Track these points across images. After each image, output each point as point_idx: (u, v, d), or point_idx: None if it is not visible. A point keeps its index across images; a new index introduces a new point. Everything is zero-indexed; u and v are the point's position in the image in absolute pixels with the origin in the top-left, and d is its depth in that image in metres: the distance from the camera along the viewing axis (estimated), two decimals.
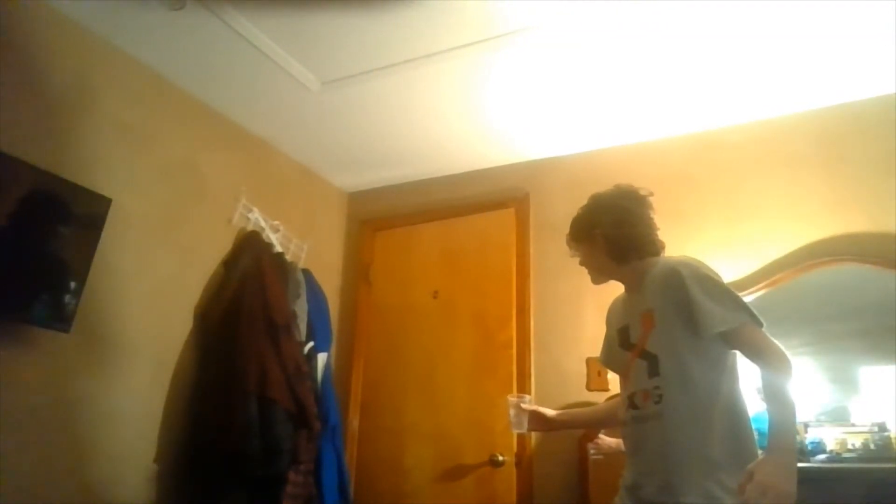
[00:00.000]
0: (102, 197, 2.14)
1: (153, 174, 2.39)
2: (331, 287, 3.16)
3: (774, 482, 1.25)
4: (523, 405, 1.90)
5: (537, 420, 1.91)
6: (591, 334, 2.47)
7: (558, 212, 2.61)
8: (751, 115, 2.58)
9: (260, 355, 2.29)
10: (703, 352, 1.51)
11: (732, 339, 1.49)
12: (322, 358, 2.69)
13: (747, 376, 1.55)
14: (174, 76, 2.50)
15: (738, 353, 1.53)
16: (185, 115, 2.57)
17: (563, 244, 1.84)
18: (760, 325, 1.48)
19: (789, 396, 1.36)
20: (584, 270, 1.79)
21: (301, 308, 2.63)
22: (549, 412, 1.92)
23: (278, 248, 2.74)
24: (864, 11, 2.01)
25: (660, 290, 1.57)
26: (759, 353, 1.44)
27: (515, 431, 2.17)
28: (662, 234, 1.71)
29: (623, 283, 1.74)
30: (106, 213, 2.14)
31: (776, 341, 1.45)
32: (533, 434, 2.60)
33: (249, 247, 2.60)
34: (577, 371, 2.58)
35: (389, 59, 2.36)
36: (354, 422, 2.99)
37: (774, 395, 1.38)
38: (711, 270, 1.56)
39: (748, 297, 2.22)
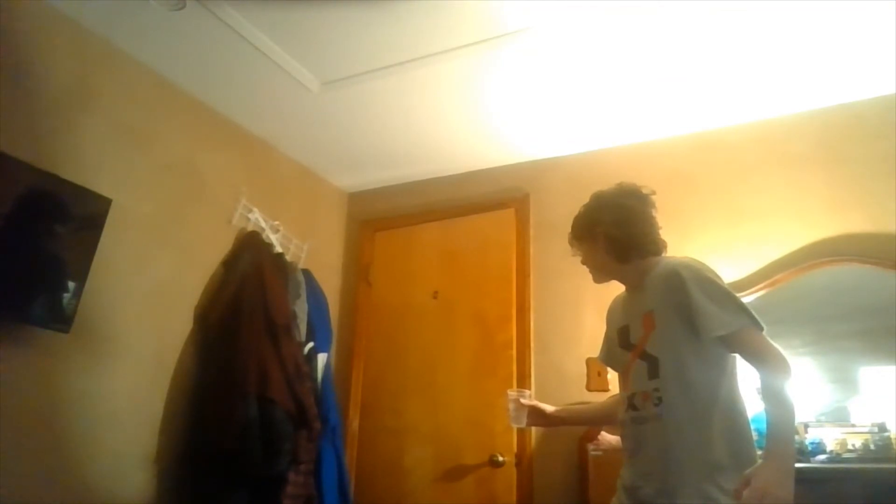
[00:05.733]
0: (102, 197, 2.14)
1: (153, 174, 2.39)
2: (331, 287, 3.16)
3: (772, 488, 1.25)
4: (523, 400, 1.90)
5: (536, 415, 1.91)
6: (591, 334, 2.47)
7: (558, 212, 2.61)
8: (751, 115, 2.58)
9: (260, 356, 2.29)
10: (704, 354, 1.50)
11: (732, 343, 1.48)
12: (322, 358, 2.69)
13: (747, 377, 1.55)
14: (174, 76, 2.50)
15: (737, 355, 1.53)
16: (185, 115, 2.57)
17: (563, 244, 1.83)
18: (761, 328, 1.47)
19: (789, 401, 1.36)
20: (585, 270, 1.79)
21: (301, 308, 2.63)
22: (549, 408, 1.92)
23: (278, 249, 2.74)
24: (864, 11, 2.01)
25: (660, 292, 1.57)
26: (759, 356, 1.44)
27: (514, 426, 2.18)
28: (662, 234, 1.70)
29: (624, 282, 1.73)
30: (106, 213, 2.14)
31: (776, 345, 1.44)
32: (533, 434, 2.60)
33: (249, 247, 2.59)
34: (577, 371, 2.58)
35: (389, 59, 2.36)
36: (354, 422, 2.99)
37: (774, 400, 1.37)
38: (713, 272, 1.55)
39: (748, 298, 2.23)
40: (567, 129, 2.77)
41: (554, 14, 2.09)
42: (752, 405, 1.56)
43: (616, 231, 1.65)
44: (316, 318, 2.71)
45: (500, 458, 2.60)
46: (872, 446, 2.04)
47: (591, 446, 2.32)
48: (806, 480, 1.31)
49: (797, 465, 1.30)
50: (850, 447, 2.07)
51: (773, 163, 2.51)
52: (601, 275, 1.76)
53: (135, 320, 2.25)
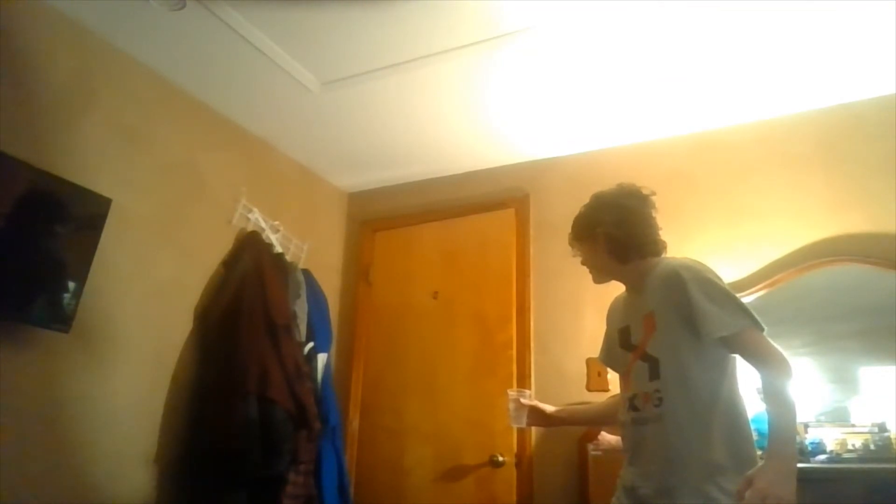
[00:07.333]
0: (102, 197, 2.14)
1: (153, 174, 2.39)
2: (331, 287, 3.16)
3: (774, 489, 1.24)
4: (523, 400, 1.90)
5: (536, 415, 1.91)
6: (591, 334, 2.47)
7: (558, 212, 2.61)
8: (751, 115, 2.58)
9: (260, 356, 2.29)
10: (704, 355, 1.50)
11: (733, 344, 1.48)
12: (322, 358, 2.69)
13: (747, 377, 1.55)
14: (174, 76, 2.49)
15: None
16: (185, 115, 2.57)
17: (563, 244, 1.83)
18: (762, 329, 1.47)
19: (790, 402, 1.35)
20: (585, 270, 1.79)
21: (301, 308, 2.63)
22: (549, 408, 1.93)
23: (278, 249, 2.74)
24: (864, 11, 2.01)
25: (661, 292, 1.57)
26: (760, 357, 1.43)
27: (514, 426, 2.18)
28: (662, 235, 1.70)
29: (624, 283, 1.73)
30: (106, 213, 2.14)
31: (777, 346, 1.44)
32: (533, 434, 2.60)
33: (249, 247, 2.59)
34: (577, 371, 2.58)
35: (389, 59, 2.36)
36: (354, 422, 2.99)
37: (775, 400, 1.37)
38: (713, 273, 1.55)
39: (748, 298, 2.23)
40: (567, 129, 2.77)
41: (554, 14, 2.09)
42: (753, 405, 1.56)
43: (616, 231, 1.65)
44: (316, 318, 2.72)
45: (500, 458, 2.60)
46: (872, 446, 2.05)
47: (591, 446, 2.32)
48: (806, 480, 1.30)
49: (797, 465, 1.30)
50: (850, 447, 2.07)
51: (773, 163, 2.51)
52: (601, 275, 1.76)
53: (135, 320, 2.25)
